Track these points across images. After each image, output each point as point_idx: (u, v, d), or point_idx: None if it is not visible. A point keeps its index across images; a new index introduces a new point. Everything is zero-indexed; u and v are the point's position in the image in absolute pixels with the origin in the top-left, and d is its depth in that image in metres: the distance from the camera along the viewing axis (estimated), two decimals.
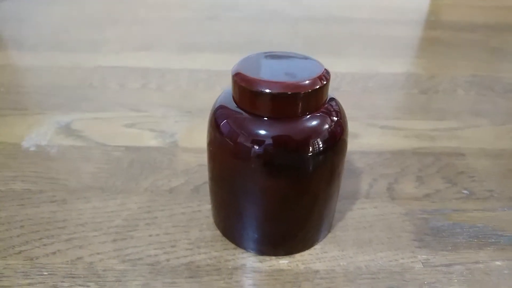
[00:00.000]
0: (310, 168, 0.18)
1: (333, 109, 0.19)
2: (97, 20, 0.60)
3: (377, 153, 0.30)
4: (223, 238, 0.22)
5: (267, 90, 0.17)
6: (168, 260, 0.21)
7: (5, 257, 0.21)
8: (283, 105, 0.17)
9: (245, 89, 0.17)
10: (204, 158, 0.29)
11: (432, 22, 0.62)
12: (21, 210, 0.24)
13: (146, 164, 0.28)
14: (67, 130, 0.32)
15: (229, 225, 0.22)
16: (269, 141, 0.17)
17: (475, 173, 0.28)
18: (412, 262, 0.21)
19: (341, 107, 0.20)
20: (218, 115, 0.19)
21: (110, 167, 0.28)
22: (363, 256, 0.22)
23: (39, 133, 0.32)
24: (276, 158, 0.17)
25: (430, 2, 0.72)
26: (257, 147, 0.17)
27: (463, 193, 0.26)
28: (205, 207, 0.25)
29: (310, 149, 0.17)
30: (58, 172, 0.27)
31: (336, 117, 0.19)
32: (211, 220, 0.24)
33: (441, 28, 0.60)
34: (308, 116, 0.18)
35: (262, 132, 0.17)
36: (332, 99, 0.19)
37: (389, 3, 0.69)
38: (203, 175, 0.27)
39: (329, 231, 0.23)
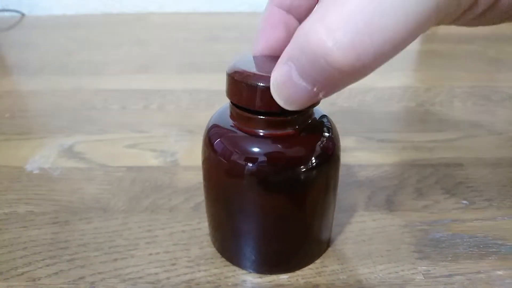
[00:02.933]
0: (304, 184, 0.18)
1: (325, 125, 0.19)
2: (98, 43, 0.62)
3: (376, 166, 0.30)
4: None
5: (260, 83, 0.16)
6: (168, 278, 0.21)
7: (8, 278, 0.21)
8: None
9: (242, 84, 0.17)
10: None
11: (429, 35, 0.63)
12: (24, 232, 0.25)
13: (147, 183, 0.29)
14: (70, 152, 0.33)
15: (226, 245, 0.22)
16: (262, 158, 0.17)
17: (474, 183, 0.28)
18: (412, 274, 0.21)
19: (333, 123, 0.20)
20: (212, 134, 0.19)
21: (112, 187, 0.28)
22: (363, 269, 0.22)
23: (42, 156, 0.32)
24: (270, 175, 0.18)
25: None
26: (250, 165, 0.18)
27: (462, 203, 0.26)
28: (205, 224, 0.25)
29: (303, 165, 0.18)
30: (61, 194, 0.28)
31: (327, 132, 0.19)
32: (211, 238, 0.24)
33: (438, 40, 0.61)
34: (301, 134, 0.18)
35: (256, 149, 0.18)
36: (324, 116, 0.20)
37: None
38: (203, 192, 0.27)
39: (328, 245, 0.23)
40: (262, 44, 0.19)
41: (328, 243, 0.23)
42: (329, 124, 0.19)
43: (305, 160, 0.18)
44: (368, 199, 0.27)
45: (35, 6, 0.81)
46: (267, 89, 0.16)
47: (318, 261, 0.22)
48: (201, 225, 0.25)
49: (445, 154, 0.32)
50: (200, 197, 0.27)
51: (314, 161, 0.18)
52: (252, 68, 0.17)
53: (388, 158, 0.31)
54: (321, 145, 0.18)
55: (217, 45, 0.60)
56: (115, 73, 0.49)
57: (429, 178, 0.29)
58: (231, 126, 0.19)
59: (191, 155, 0.32)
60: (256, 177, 0.18)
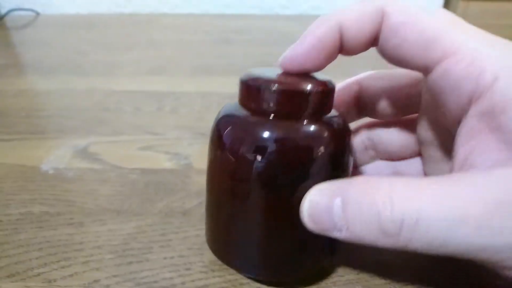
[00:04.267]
0: (307, 180, 0.17)
1: (338, 121, 0.19)
2: (111, 43, 0.62)
3: None
4: None
5: (271, 86, 0.17)
6: (183, 283, 0.21)
7: (24, 279, 0.21)
8: (284, 103, 0.17)
9: (250, 87, 0.18)
10: None
11: None
12: (40, 233, 0.25)
13: (160, 186, 0.29)
14: (84, 153, 0.33)
15: (231, 252, 0.21)
16: (269, 143, 0.17)
17: None
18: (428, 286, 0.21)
19: (346, 121, 0.20)
20: (223, 124, 0.19)
21: (126, 189, 0.28)
22: (379, 279, 0.21)
23: (57, 156, 0.32)
24: (279, 167, 0.17)
25: None
26: (260, 158, 0.17)
27: None
28: None
29: (311, 158, 0.17)
30: (75, 195, 0.28)
31: (341, 128, 0.18)
32: None
33: None
34: (313, 125, 0.17)
35: (265, 133, 0.17)
36: (336, 114, 0.19)
37: None
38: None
39: (340, 252, 0.23)
40: (298, 56, 0.18)
41: (340, 250, 0.22)
42: (342, 120, 0.19)
43: (318, 151, 0.17)
44: None
45: (49, 5, 0.82)
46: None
47: (332, 270, 0.22)
48: None
49: None
50: None
51: (325, 152, 0.17)
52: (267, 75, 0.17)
53: None
54: (336, 140, 0.18)
55: (228, 48, 0.60)
56: (128, 75, 0.50)
57: None
58: (241, 108, 0.19)
59: (204, 158, 0.32)
60: (267, 168, 0.17)
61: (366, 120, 0.24)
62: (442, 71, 0.15)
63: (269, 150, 0.17)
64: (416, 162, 0.22)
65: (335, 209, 0.15)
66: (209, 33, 0.67)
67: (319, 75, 0.19)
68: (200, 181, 0.29)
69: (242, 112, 0.19)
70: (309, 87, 0.17)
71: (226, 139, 0.18)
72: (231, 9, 0.82)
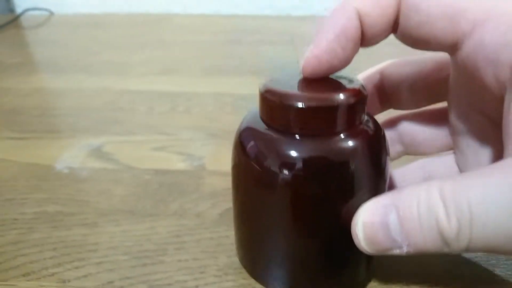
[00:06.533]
0: (350, 195, 0.16)
1: (371, 125, 0.17)
2: (123, 43, 0.63)
3: None
4: None
5: (299, 104, 0.15)
6: (197, 286, 0.21)
7: (39, 278, 0.21)
8: (315, 120, 0.16)
9: (276, 104, 0.16)
10: (230, 182, 0.29)
11: None
12: (54, 232, 0.25)
13: (174, 187, 0.29)
14: (98, 152, 0.33)
15: (257, 262, 0.20)
16: (300, 163, 0.16)
17: None
18: None
19: (378, 123, 0.18)
20: (245, 137, 0.18)
21: (139, 190, 0.28)
22: None
23: (71, 155, 0.32)
24: (308, 181, 0.16)
25: None
26: (286, 171, 0.16)
27: None
28: (232, 232, 0.24)
29: (349, 173, 0.16)
30: (89, 195, 0.28)
31: (375, 133, 0.17)
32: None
33: None
34: (344, 136, 0.16)
35: (293, 153, 0.16)
36: (368, 116, 0.18)
37: None
38: (230, 199, 0.27)
39: (375, 266, 0.22)
40: (320, 55, 0.16)
41: (379, 260, 0.21)
42: (376, 125, 0.18)
43: (351, 167, 0.16)
44: None
45: (62, 4, 0.83)
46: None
47: (374, 283, 0.21)
48: (228, 232, 0.25)
49: None
50: (226, 203, 0.27)
51: (361, 168, 0.16)
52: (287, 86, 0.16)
53: None
54: (370, 150, 0.16)
55: (240, 49, 0.60)
56: (140, 74, 0.50)
57: None
58: (266, 128, 0.17)
59: (217, 159, 0.32)
60: (292, 184, 0.16)
61: (391, 113, 0.22)
62: (474, 43, 0.14)
63: (298, 172, 0.16)
64: (448, 159, 0.20)
65: (392, 226, 0.14)
66: (220, 33, 0.67)
67: (346, 77, 0.18)
68: (213, 183, 0.29)
69: (265, 127, 0.17)
70: (340, 99, 0.15)
71: (251, 155, 0.17)
72: (243, 10, 0.82)
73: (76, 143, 0.34)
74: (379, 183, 0.17)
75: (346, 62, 0.16)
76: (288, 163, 0.16)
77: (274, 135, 0.17)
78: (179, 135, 0.36)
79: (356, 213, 0.15)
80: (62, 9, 0.82)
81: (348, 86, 0.16)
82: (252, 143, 0.17)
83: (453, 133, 0.20)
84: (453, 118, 0.19)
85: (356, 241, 0.15)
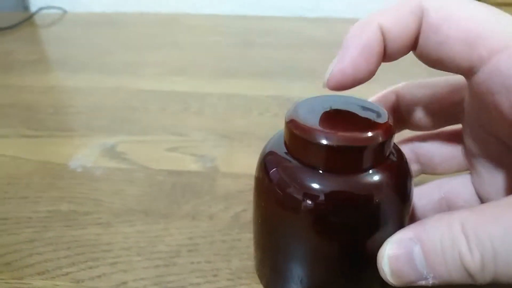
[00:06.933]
0: (373, 228, 0.16)
1: (397, 158, 0.17)
2: (136, 43, 0.63)
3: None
4: None
5: (325, 142, 0.15)
6: None
7: (54, 277, 0.22)
8: (341, 158, 0.15)
9: (301, 138, 0.16)
10: (243, 185, 0.29)
11: None
12: (68, 231, 0.25)
13: (187, 188, 0.29)
14: (112, 152, 0.33)
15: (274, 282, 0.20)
16: (323, 196, 0.15)
17: None
18: None
19: (402, 151, 0.18)
20: (268, 161, 0.17)
21: (153, 190, 0.28)
22: None
23: (85, 154, 0.33)
24: (331, 216, 0.16)
25: None
26: (309, 202, 0.16)
27: None
28: (245, 235, 0.25)
29: (373, 208, 0.16)
30: (103, 194, 0.28)
31: (400, 166, 0.17)
32: (251, 250, 0.23)
33: None
34: (370, 172, 0.16)
35: (316, 185, 0.16)
36: (393, 151, 0.17)
37: None
38: (242, 202, 0.27)
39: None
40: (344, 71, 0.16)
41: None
42: (400, 155, 0.17)
43: (375, 202, 0.16)
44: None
45: (76, 3, 0.84)
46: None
47: None
48: (241, 236, 0.25)
49: None
50: (239, 206, 0.27)
51: (385, 203, 0.16)
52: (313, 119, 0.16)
53: None
54: (395, 183, 0.16)
55: (252, 50, 0.59)
56: (153, 74, 0.50)
57: None
58: (290, 156, 0.17)
59: (230, 161, 0.32)
60: (313, 215, 0.16)
61: (407, 133, 0.22)
62: (491, 69, 0.14)
63: (319, 207, 0.16)
64: (464, 180, 0.21)
65: (416, 259, 0.14)
66: (232, 34, 0.67)
67: (373, 108, 0.17)
68: (226, 185, 0.29)
69: (289, 154, 0.17)
70: (369, 138, 0.15)
71: (274, 180, 0.17)
72: (254, 10, 0.82)
73: (90, 142, 0.35)
74: (403, 214, 0.17)
75: (369, 75, 0.16)
76: (311, 195, 0.16)
77: (297, 165, 0.16)
78: (192, 136, 0.36)
79: (381, 247, 0.15)
80: (76, 7, 0.83)
81: (377, 120, 0.16)
82: (274, 169, 0.17)
83: (468, 155, 0.20)
84: (468, 140, 0.19)
85: (382, 275, 0.15)
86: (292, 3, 0.81)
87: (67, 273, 0.22)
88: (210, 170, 0.31)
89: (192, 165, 0.31)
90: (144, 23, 0.75)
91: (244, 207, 0.27)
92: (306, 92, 0.46)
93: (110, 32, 0.68)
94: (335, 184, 0.16)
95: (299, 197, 0.16)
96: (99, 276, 0.22)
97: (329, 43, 0.62)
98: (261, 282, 0.21)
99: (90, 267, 0.22)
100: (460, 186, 0.21)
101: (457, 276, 0.14)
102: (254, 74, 0.50)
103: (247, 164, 0.31)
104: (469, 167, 0.20)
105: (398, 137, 0.22)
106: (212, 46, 0.62)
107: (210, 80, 0.48)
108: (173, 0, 0.83)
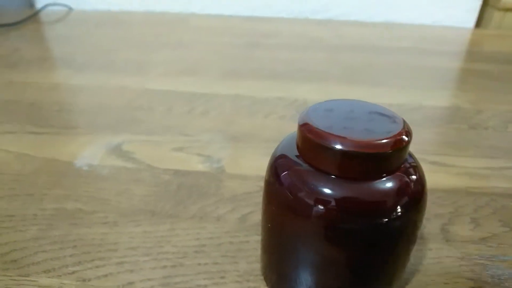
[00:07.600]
0: (385, 238, 0.16)
1: (411, 165, 0.17)
2: (141, 42, 0.63)
3: (430, 191, 0.29)
4: None
5: (339, 147, 0.15)
6: None
7: (60, 276, 0.21)
8: (355, 164, 0.15)
9: (314, 142, 0.15)
10: (250, 186, 0.29)
11: (475, 53, 0.61)
12: (74, 230, 0.25)
13: (193, 189, 0.28)
14: (118, 151, 0.33)
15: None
16: (334, 202, 0.15)
17: None
18: None
19: (417, 160, 0.17)
20: (279, 164, 0.17)
21: (159, 190, 0.28)
22: None
23: (90, 153, 0.33)
24: (343, 223, 0.16)
25: (473, 32, 0.71)
26: (320, 207, 0.15)
27: None
28: (252, 238, 0.24)
29: (386, 216, 0.15)
30: (109, 193, 0.28)
31: (415, 175, 0.16)
32: (259, 252, 0.23)
33: (485, 59, 0.59)
34: (385, 178, 0.16)
35: (328, 191, 0.15)
36: (409, 159, 0.17)
37: (430, 33, 0.68)
38: (250, 203, 0.27)
39: None
40: None
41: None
42: (414, 163, 0.17)
43: (390, 209, 0.15)
44: (423, 226, 0.26)
45: (81, 0, 0.83)
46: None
47: None
48: (248, 238, 0.24)
49: (500, 184, 0.30)
50: (246, 208, 0.27)
51: (399, 210, 0.16)
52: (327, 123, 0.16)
53: (441, 183, 0.30)
54: (409, 191, 0.16)
55: (258, 52, 0.59)
56: (159, 74, 0.50)
57: (485, 208, 0.28)
58: (302, 160, 0.17)
59: (236, 163, 0.32)
60: (324, 221, 0.16)
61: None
62: None
63: (333, 212, 0.15)
64: None
65: None
66: (238, 35, 0.67)
67: (387, 114, 0.17)
68: (232, 186, 0.29)
69: (300, 158, 0.17)
70: (383, 144, 0.15)
71: (285, 184, 0.17)
72: (261, 12, 0.82)
73: (95, 140, 0.34)
74: (416, 224, 0.17)
75: None
76: (322, 200, 0.15)
77: (309, 169, 0.16)
78: (198, 136, 0.36)
79: None
80: (81, 5, 0.83)
81: (392, 127, 0.16)
82: (286, 173, 0.17)
83: None
84: None
85: None
86: (300, 5, 0.81)
87: (73, 272, 0.22)
88: (217, 171, 0.31)
89: (199, 166, 0.31)
90: (149, 22, 0.75)
91: (252, 209, 0.26)
92: (313, 94, 0.46)
93: (115, 31, 0.68)
94: (348, 190, 0.15)
95: (311, 202, 0.16)
96: (105, 276, 0.22)
97: (337, 45, 0.62)
98: (267, 286, 0.21)
99: (97, 266, 0.22)
100: None
101: None
102: (260, 75, 0.50)
103: (254, 165, 0.31)
104: None
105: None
106: (219, 47, 0.62)
107: (216, 81, 0.48)
108: (180, 0, 0.83)
